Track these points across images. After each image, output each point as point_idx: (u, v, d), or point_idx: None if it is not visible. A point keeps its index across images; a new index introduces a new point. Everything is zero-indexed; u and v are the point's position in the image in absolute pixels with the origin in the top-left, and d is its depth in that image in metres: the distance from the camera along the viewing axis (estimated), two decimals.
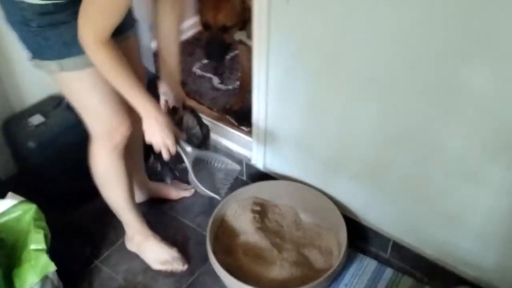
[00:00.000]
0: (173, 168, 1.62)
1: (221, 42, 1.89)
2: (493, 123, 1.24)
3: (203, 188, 1.46)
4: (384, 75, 1.36)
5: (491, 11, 1.09)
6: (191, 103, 2.02)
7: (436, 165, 1.42)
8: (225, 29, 1.87)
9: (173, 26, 1.47)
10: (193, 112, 1.63)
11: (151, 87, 1.69)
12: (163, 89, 1.53)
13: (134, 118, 1.42)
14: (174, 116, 1.56)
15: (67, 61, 1.25)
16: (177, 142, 1.40)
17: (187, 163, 1.44)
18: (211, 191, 1.47)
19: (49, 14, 1.18)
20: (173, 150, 1.39)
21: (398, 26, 1.25)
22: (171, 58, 1.51)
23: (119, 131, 1.43)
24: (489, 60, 1.15)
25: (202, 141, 1.66)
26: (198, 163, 1.48)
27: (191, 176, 1.46)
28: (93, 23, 1.15)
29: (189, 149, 1.45)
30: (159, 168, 1.61)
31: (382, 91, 1.40)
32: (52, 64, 1.25)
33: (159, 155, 1.43)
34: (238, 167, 1.55)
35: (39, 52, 1.25)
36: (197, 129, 1.64)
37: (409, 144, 1.44)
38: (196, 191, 1.96)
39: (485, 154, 1.30)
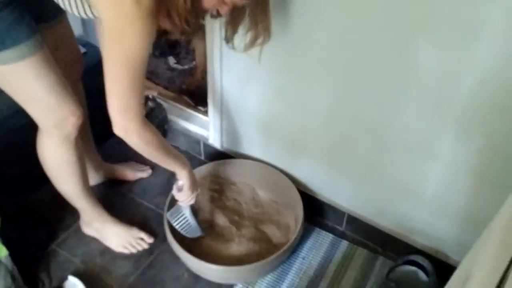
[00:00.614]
0: None
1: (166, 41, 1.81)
2: (438, 99, 1.28)
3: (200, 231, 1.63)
4: (337, 57, 1.38)
5: None
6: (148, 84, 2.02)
7: (388, 141, 1.46)
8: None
9: None
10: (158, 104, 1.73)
11: (101, 69, 1.70)
12: None
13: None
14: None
15: (2, 54, 1.15)
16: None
17: (188, 214, 1.58)
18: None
19: None
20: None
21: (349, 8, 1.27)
22: None
23: (70, 121, 1.35)
24: (432, 38, 1.18)
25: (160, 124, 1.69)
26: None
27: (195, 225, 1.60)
28: (131, 108, 1.15)
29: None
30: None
31: (336, 74, 1.42)
32: None
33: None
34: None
35: None
36: (160, 119, 1.75)
37: (362, 121, 1.47)
38: (152, 171, 1.97)
39: (433, 128, 1.34)
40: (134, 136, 1.20)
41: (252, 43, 1.28)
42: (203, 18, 1.37)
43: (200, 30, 1.23)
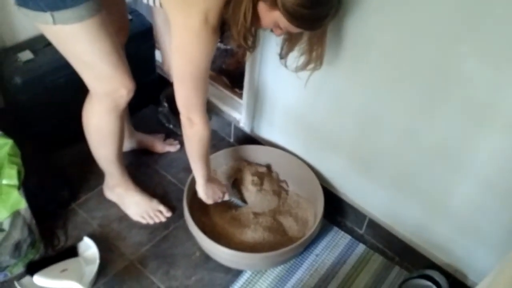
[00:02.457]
0: None
1: None
2: (479, 114, 1.22)
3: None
4: (371, 60, 1.35)
5: None
6: None
7: (418, 146, 1.41)
8: None
9: None
10: None
11: (145, 38, 1.72)
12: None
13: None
14: None
15: (62, 13, 1.15)
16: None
17: (236, 200, 1.71)
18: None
19: None
20: (227, 195, 1.65)
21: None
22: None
23: (120, 93, 1.37)
24: (478, 51, 1.12)
25: None
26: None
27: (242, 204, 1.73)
28: (197, 105, 1.29)
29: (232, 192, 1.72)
30: None
31: (375, 76, 1.39)
32: (45, 16, 1.15)
33: None
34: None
35: (30, 2, 1.14)
36: None
37: (396, 128, 1.43)
38: (180, 147, 1.98)
39: (469, 143, 1.28)
40: (195, 127, 1.33)
41: (304, 67, 1.36)
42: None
43: (256, 46, 1.30)
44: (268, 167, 1.84)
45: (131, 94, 1.40)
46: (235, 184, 1.78)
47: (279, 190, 1.79)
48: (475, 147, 1.28)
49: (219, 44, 2.37)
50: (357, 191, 1.70)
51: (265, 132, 1.88)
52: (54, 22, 1.16)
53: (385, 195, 1.60)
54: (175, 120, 1.69)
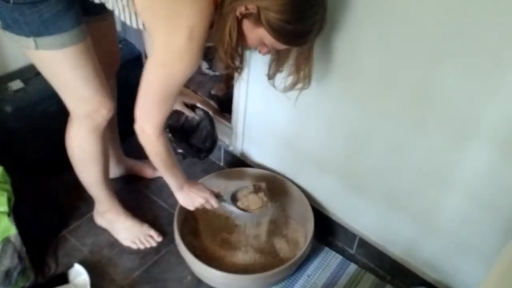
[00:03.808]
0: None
1: None
2: (463, 128, 1.24)
3: (257, 213, 1.60)
4: (360, 78, 1.38)
5: None
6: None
7: (405, 165, 1.43)
8: None
9: None
10: (208, 115, 1.76)
11: (135, 65, 1.75)
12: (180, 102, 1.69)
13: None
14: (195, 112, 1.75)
15: (44, 39, 1.19)
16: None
17: (230, 207, 1.58)
18: (262, 213, 1.62)
19: None
20: (214, 201, 1.52)
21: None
22: None
23: (101, 113, 1.39)
24: (461, 66, 1.16)
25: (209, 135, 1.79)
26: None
27: (240, 214, 1.59)
28: (153, 117, 1.25)
29: (224, 197, 1.58)
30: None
31: (356, 93, 1.42)
32: (28, 41, 1.19)
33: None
34: (264, 184, 1.68)
35: (14, 27, 1.18)
36: (208, 130, 1.78)
37: (379, 145, 1.46)
38: None
39: (455, 160, 1.31)
40: (147, 139, 1.30)
41: (292, 86, 1.36)
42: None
43: (244, 67, 1.32)
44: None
45: (111, 113, 1.42)
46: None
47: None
48: (460, 162, 1.30)
49: (207, 71, 2.41)
50: (347, 211, 1.71)
51: (255, 155, 1.90)
52: (36, 48, 1.20)
53: (375, 214, 1.61)
54: (181, 146, 1.71)
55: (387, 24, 1.23)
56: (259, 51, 1.24)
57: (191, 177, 1.54)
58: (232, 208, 1.57)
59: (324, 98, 1.50)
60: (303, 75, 1.31)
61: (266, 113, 1.72)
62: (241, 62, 1.26)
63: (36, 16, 1.15)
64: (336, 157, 1.61)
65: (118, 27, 2.16)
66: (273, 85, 1.40)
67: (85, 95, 1.34)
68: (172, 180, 1.44)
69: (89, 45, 1.28)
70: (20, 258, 1.45)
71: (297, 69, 1.30)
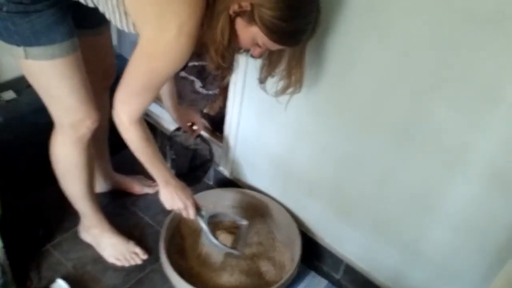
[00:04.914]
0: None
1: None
2: (450, 159, 1.26)
3: (222, 246, 1.55)
4: (356, 110, 1.40)
5: None
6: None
7: (393, 193, 1.44)
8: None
9: (173, 92, 1.63)
10: (204, 140, 1.84)
11: None
12: (180, 121, 1.75)
13: (102, 111, 1.43)
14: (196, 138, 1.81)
15: (34, 49, 1.19)
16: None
17: (204, 224, 1.52)
18: (229, 247, 1.57)
19: (22, 4, 1.13)
20: (192, 212, 1.47)
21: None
22: (172, 96, 1.67)
23: (85, 124, 1.39)
24: (449, 98, 1.18)
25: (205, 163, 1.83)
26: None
27: (209, 236, 1.53)
28: (130, 105, 1.23)
29: (203, 212, 1.53)
30: None
31: (353, 125, 1.43)
32: (18, 50, 1.19)
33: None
34: (246, 222, 1.62)
35: (5, 35, 1.18)
36: (205, 151, 1.84)
37: (369, 173, 1.47)
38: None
39: (442, 189, 1.32)
40: (121, 126, 1.27)
41: (283, 91, 1.35)
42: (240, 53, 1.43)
43: (233, 70, 1.28)
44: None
45: (95, 124, 1.41)
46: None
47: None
48: (447, 192, 1.32)
49: (201, 89, 2.42)
50: (334, 236, 1.71)
51: (245, 175, 1.90)
52: (26, 57, 1.20)
53: (362, 240, 1.62)
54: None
55: (378, 49, 1.26)
56: (252, 54, 1.22)
57: None
58: (204, 227, 1.52)
59: (317, 121, 1.52)
60: (294, 79, 1.30)
61: (259, 134, 1.73)
62: (232, 62, 1.24)
63: (28, 26, 1.16)
64: (325, 182, 1.62)
65: (114, 41, 2.19)
66: (264, 90, 1.39)
67: (71, 105, 1.34)
68: (155, 172, 1.40)
69: (78, 57, 1.29)
70: (3, 271, 1.43)
71: (289, 73, 1.29)
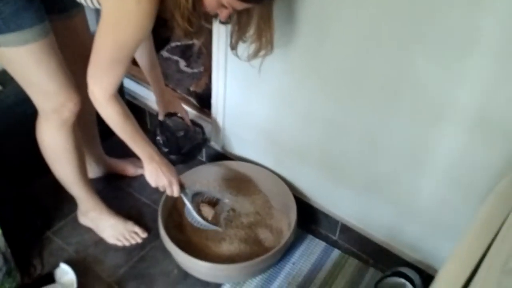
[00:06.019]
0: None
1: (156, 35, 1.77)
2: (433, 112, 1.28)
3: (205, 223, 1.59)
4: (337, 70, 1.41)
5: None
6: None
7: (381, 150, 1.47)
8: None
9: (150, 54, 1.59)
10: (196, 123, 1.87)
11: None
12: (159, 107, 1.74)
13: (84, 94, 1.42)
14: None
15: (5, 36, 1.19)
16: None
17: (187, 202, 1.54)
18: (212, 224, 1.61)
19: None
20: (177, 189, 1.47)
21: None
22: (158, 81, 1.67)
23: (67, 107, 1.39)
24: (428, 51, 1.20)
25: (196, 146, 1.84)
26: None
27: (192, 213, 1.56)
28: (101, 80, 1.24)
29: (187, 190, 1.55)
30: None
31: (336, 85, 1.44)
32: None
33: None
34: (227, 200, 1.72)
35: None
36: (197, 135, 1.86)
37: (360, 132, 1.49)
38: None
39: (428, 141, 1.35)
40: (97, 103, 1.27)
41: (255, 54, 1.35)
42: (210, 23, 1.41)
43: (203, 32, 1.27)
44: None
45: (78, 107, 1.42)
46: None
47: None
48: (433, 144, 1.34)
49: (186, 68, 2.43)
50: (328, 198, 1.74)
51: (236, 148, 1.92)
52: None
53: (355, 200, 1.65)
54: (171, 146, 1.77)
55: (354, 5, 1.26)
56: (219, 18, 1.21)
57: None
58: (188, 204, 1.54)
59: (298, 86, 1.53)
60: (265, 41, 1.31)
61: (245, 106, 1.75)
62: (200, 26, 1.22)
63: None
64: (314, 146, 1.64)
65: (94, 27, 2.18)
66: (236, 55, 1.40)
67: (50, 90, 1.34)
68: (138, 149, 1.40)
69: (52, 41, 1.29)
70: (5, 259, 1.45)
71: (259, 36, 1.29)
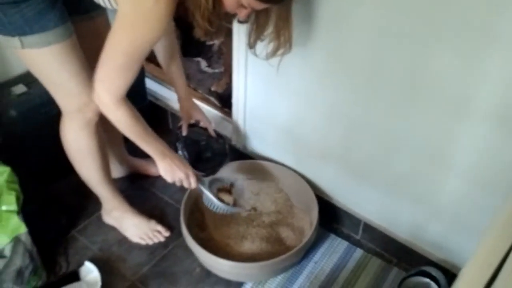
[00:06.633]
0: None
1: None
2: (456, 109, 1.26)
3: (227, 207, 1.56)
4: (359, 67, 1.40)
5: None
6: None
7: (403, 148, 1.45)
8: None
9: (173, 53, 1.58)
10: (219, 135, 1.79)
11: None
12: (182, 112, 1.70)
13: None
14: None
15: (29, 38, 1.21)
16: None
17: (206, 190, 1.53)
18: (231, 206, 1.59)
19: None
20: (194, 180, 1.47)
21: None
22: (179, 83, 1.64)
23: (90, 107, 1.40)
24: (448, 45, 1.18)
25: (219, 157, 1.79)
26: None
27: (213, 200, 1.54)
28: (111, 83, 1.20)
29: (203, 180, 1.55)
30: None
31: (358, 83, 1.43)
32: (14, 40, 1.22)
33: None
34: (241, 179, 1.74)
35: (0, 27, 1.21)
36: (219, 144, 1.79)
37: (376, 130, 1.48)
38: None
39: (451, 140, 1.33)
40: (106, 108, 1.25)
41: (274, 53, 1.34)
42: (230, 22, 1.41)
43: (223, 32, 1.27)
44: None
45: None
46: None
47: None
48: (456, 141, 1.32)
49: (206, 69, 2.44)
50: (350, 197, 1.73)
51: (258, 147, 1.92)
52: (22, 47, 1.23)
53: (378, 199, 1.63)
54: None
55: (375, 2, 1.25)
56: (238, 17, 1.21)
57: None
58: (207, 192, 1.53)
59: (320, 84, 1.52)
60: (283, 40, 1.30)
61: (266, 105, 1.75)
62: (220, 26, 1.21)
63: (19, 15, 1.18)
64: (335, 145, 1.63)
65: None
66: (255, 54, 1.39)
67: (74, 90, 1.36)
68: (149, 149, 1.38)
69: (74, 42, 1.31)
70: (31, 257, 1.48)
71: (277, 34, 1.28)
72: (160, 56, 1.59)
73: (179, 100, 1.70)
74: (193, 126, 1.75)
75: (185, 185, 1.47)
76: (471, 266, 0.74)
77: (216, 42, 1.61)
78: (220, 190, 1.67)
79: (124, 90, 1.22)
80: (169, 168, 1.42)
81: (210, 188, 1.56)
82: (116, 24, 1.14)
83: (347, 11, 1.31)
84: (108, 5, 1.25)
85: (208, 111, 2.04)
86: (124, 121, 1.28)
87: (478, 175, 1.34)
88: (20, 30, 1.20)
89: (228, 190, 1.68)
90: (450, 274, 1.56)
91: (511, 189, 1.26)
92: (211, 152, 1.79)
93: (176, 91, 1.69)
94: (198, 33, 1.19)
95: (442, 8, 1.14)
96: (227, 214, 1.64)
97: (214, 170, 1.69)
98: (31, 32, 1.21)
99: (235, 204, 1.64)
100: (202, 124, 1.75)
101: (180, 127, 1.71)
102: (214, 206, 1.55)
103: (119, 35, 1.14)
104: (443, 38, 1.18)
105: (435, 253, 1.60)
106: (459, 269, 1.55)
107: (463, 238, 1.49)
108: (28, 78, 1.74)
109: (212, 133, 1.75)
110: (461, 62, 1.19)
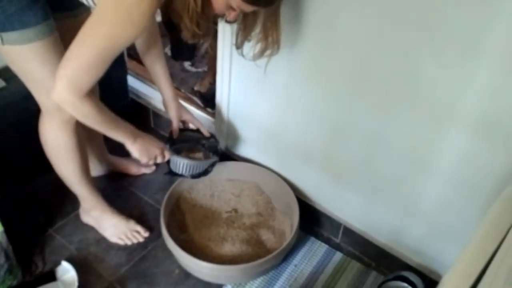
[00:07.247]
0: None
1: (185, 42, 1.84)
2: (439, 115, 1.27)
3: (202, 161, 1.64)
4: (343, 72, 1.40)
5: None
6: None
7: (385, 153, 1.46)
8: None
9: (158, 54, 1.56)
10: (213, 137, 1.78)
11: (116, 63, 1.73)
12: (173, 113, 1.66)
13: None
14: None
15: (9, 35, 1.19)
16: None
17: (180, 157, 1.58)
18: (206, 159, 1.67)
19: None
20: (168, 152, 1.51)
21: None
22: (166, 84, 1.61)
23: None
24: (435, 54, 1.19)
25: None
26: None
27: (188, 162, 1.59)
28: (80, 80, 1.14)
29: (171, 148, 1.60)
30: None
31: (341, 87, 1.44)
32: None
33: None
34: (207, 135, 1.72)
35: None
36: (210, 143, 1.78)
37: (365, 135, 1.48)
38: (156, 168, 1.99)
39: (433, 144, 1.34)
40: (70, 105, 1.19)
41: (261, 54, 1.34)
42: (215, 23, 1.40)
43: (211, 34, 1.26)
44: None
45: None
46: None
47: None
48: (437, 147, 1.34)
49: (190, 68, 2.43)
50: (331, 201, 1.74)
51: (240, 149, 1.92)
52: (2, 43, 1.21)
53: (358, 202, 1.64)
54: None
55: (361, 5, 1.26)
56: (226, 19, 1.20)
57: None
58: (181, 158, 1.57)
59: (303, 87, 1.52)
60: (271, 41, 1.29)
61: (250, 106, 1.74)
62: (208, 28, 1.20)
63: (0, 11, 1.15)
64: (317, 148, 1.63)
65: None
66: (242, 54, 1.38)
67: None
68: (119, 136, 1.35)
69: (56, 39, 1.28)
70: (6, 256, 1.45)
71: (265, 35, 1.28)
72: (144, 55, 1.57)
73: (166, 101, 1.65)
74: (182, 131, 1.72)
75: (159, 160, 1.48)
76: (451, 277, 0.74)
77: (205, 44, 1.60)
78: (187, 151, 1.70)
79: (90, 88, 1.17)
80: (143, 148, 1.41)
81: (180, 154, 1.59)
82: (93, 18, 1.10)
83: (335, 15, 1.31)
84: (91, 4, 1.23)
85: (191, 111, 2.02)
86: (92, 116, 1.23)
87: (459, 181, 1.35)
88: (1, 26, 1.17)
89: (194, 150, 1.71)
90: (428, 280, 1.57)
91: (492, 197, 1.28)
92: (203, 153, 1.78)
93: (162, 92, 1.65)
94: (186, 35, 1.18)
95: (429, 16, 1.15)
96: (207, 171, 1.67)
97: (206, 171, 1.69)
98: (12, 28, 1.18)
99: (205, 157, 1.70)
100: (191, 125, 1.73)
101: (171, 132, 1.68)
102: (189, 169, 1.58)
103: (97, 30, 1.10)
104: (430, 45, 1.19)
105: (413, 258, 1.61)
106: (437, 274, 1.57)
107: (442, 244, 1.51)
108: (7, 73, 1.70)
109: (206, 132, 1.73)
110: (447, 70, 1.20)
